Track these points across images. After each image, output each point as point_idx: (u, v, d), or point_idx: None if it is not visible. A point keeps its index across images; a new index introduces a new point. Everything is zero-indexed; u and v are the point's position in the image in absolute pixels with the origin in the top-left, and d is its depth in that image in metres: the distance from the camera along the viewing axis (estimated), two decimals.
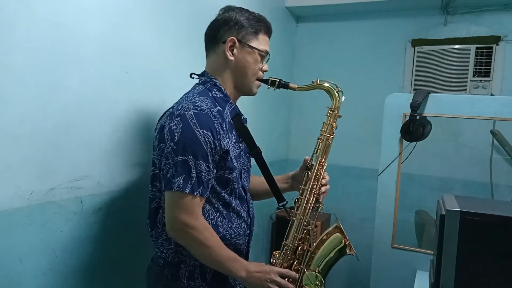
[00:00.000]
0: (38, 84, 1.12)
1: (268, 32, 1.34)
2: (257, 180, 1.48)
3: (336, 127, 1.36)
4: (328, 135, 1.34)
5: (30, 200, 1.12)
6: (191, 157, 1.13)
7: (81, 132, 1.27)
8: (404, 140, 1.83)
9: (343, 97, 1.36)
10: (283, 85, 1.34)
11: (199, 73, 1.35)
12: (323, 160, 1.34)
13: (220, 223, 1.24)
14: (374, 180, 1.94)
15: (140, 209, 1.52)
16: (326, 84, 1.34)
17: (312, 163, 1.34)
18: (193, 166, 1.14)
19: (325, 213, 2.77)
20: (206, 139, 1.14)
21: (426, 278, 1.61)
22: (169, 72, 1.64)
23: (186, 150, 1.14)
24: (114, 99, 1.38)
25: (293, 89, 1.35)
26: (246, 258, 1.35)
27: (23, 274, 1.12)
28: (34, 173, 1.13)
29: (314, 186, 1.32)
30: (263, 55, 1.30)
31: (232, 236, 1.27)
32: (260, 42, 1.30)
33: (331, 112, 1.35)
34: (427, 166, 2.47)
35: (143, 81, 1.51)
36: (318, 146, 1.35)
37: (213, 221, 1.23)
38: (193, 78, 1.35)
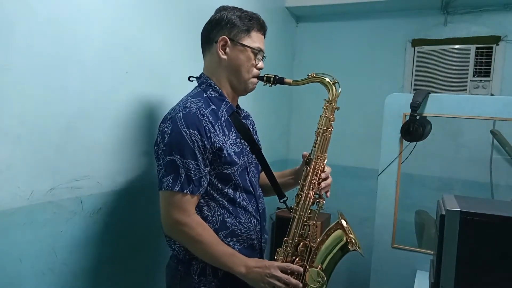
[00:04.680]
0: (38, 84, 1.12)
1: (262, 29, 1.32)
2: (263, 176, 1.48)
3: (334, 120, 1.34)
4: (325, 128, 1.32)
5: (30, 200, 1.12)
6: (179, 156, 1.16)
7: (81, 132, 1.27)
8: (404, 140, 1.83)
9: (340, 89, 1.34)
10: (278, 80, 1.33)
11: (198, 75, 1.35)
12: (321, 155, 1.32)
13: (228, 219, 1.25)
14: (374, 180, 1.94)
15: (141, 209, 1.53)
16: (321, 76, 1.33)
17: (311, 157, 1.32)
18: (181, 165, 1.16)
19: (325, 213, 2.77)
20: (193, 137, 1.16)
21: (426, 278, 1.61)
22: (169, 72, 1.64)
23: (173, 150, 1.17)
24: (114, 99, 1.38)
25: (289, 83, 1.34)
26: (261, 255, 1.34)
27: (22, 274, 1.12)
28: (34, 173, 1.13)
29: (313, 181, 1.30)
30: (256, 52, 1.29)
31: (243, 231, 1.27)
32: (253, 40, 1.29)
33: (327, 105, 1.34)
34: (427, 166, 2.47)
35: (143, 81, 1.51)
36: (316, 140, 1.33)
37: (219, 217, 1.24)
38: (191, 81, 1.36)
